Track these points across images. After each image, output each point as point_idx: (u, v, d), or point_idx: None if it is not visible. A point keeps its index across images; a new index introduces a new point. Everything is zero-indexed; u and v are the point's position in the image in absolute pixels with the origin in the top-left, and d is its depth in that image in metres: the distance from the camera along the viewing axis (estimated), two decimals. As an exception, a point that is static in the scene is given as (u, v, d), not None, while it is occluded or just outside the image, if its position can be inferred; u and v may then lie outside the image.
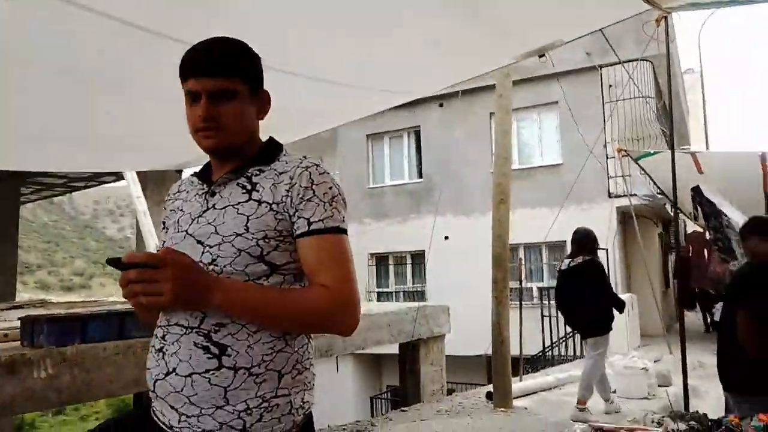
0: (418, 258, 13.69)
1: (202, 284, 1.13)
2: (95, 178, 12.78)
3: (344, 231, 1.28)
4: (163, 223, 1.40)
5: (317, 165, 1.29)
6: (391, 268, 14.39)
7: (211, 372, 1.15)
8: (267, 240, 1.21)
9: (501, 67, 3.86)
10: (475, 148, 12.73)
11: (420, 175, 14.06)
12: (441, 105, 13.24)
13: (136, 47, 2.15)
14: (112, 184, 13.48)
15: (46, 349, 3.40)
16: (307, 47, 2.50)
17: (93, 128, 3.22)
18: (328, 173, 1.31)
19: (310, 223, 1.23)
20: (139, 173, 7.46)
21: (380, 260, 14.55)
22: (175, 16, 1.99)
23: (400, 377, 6.68)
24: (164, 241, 1.33)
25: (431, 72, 3.29)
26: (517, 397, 5.85)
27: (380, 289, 14.42)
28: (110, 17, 1.87)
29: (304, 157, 1.32)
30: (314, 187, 1.25)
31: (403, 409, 5.87)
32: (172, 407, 1.18)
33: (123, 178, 8.50)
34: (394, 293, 14.26)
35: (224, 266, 1.20)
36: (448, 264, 12.31)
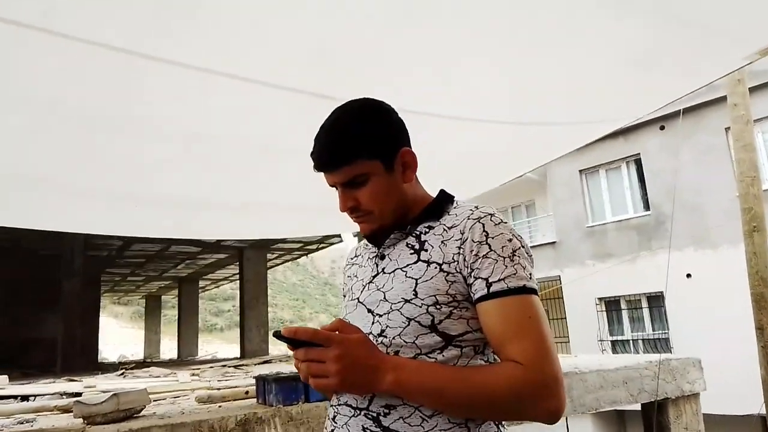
0: (656, 301, 12.13)
1: (372, 365, 1.00)
2: (324, 241, 14.14)
3: (533, 291, 1.05)
4: (343, 292, 1.33)
5: (491, 214, 1.10)
6: (625, 314, 12.93)
7: None
8: (438, 306, 1.04)
9: (729, 72, 3.25)
10: (710, 169, 11.04)
11: (647, 207, 12.59)
12: (662, 128, 11.85)
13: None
14: (338, 245, 14.73)
15: (275, 408, 3.60)
16: (485, 88, 2.34)
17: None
18: (506, 222, 1.10)
19: (489, 285, 1.03)
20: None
21: (610, 305, 13.21)
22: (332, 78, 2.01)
23: (645, 443, 5.76)
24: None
25: (640, 93, 2.88)
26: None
27: (614, 337, 13.01)
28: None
29: (476, 207, 1.13)
30: (489, 240, 1.06)
31: (653, 482, 5.00)
32: None
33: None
34: (631, 341, 12.73)
35: (393, 338, 1.06)
36: (693, 306, 10.67)
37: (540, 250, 14.33)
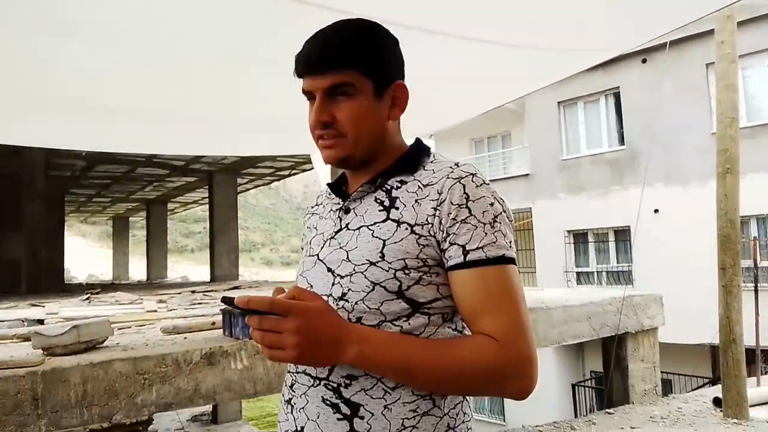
0: (623, 234, 12.40)
1: (334, 337, 0.90)
2: (296, 167, 13.88)
3: (512, 260, 0.96)
4: (302, 243, 1.21)
5: (473, 174, 0.98)
6: (592, 246, 13.23)
7: None
8: (407, 271, 0.95)
9: (722, 7, 3.10)
10: (688, 107, 10.99)
11: (622, 142, 12.60)
12: (644, 61, 11.64)
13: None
14: (310, 173, 14.52)
15: (241, 341, 3.56)
16: (478, 3, 2.17)
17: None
18: (488, 184, 0.99)
19: (466, 252, 0.94)
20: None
21: (578, 237, 13.48)
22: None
23: (604, 374, 6.01)
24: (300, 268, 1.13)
25: (629, 23, 2.73)
26: (753, 405, 4.85)
27: (580, 269, 13.37)
28: None
29: (456, 164, 1.00)
30: (470, 204, 0.95)
31: (608, 411, 5.24)
32: None
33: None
34: (596, 273, 13.12)
35: (356, 302, 0.96)
36: (658, 241, 10.95)
37: (513, 182, 14.38)
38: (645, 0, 2.50)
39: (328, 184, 1.16)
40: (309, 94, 1.03)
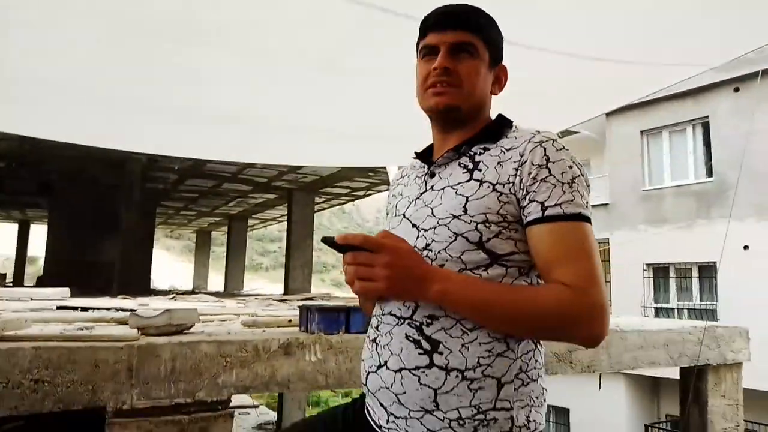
0: (708, 271, 11.73)
1: (420, 273, 1.01)
2: (372, 188, 14.19)
3: (587, 219, 1.04)
4: (386, 210, 1.33)
5: (554, 140, 1.08)
6: (673, 282, 12.59)
7: (421, 370, 1.03)
8: (488, 225, 1.04)
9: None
10: (784, 138, 10.36)
11: (710, 174, 12.01)
12: (737, 90, 11.13)
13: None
14: (384, 193, 14.78)
15: (316, 335, 3.72)
16: (554, 16, 2.23)
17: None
18: (567, 149, 1.08)
19: (544, 208, 1.03)
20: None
21: (658, 271, 12.87)
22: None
23: (680, 407, 5.69)
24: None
25: (723, 34, 2.66)
26: None
27: (659, 305, 12.73)
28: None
29: (538, 131, 1.10)
30: (550, 165, 1.04)
31: (685, 446, 4.96)
32: (381, 405, 1.09)
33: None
34: (676, 310, 12.44)
35: (438, 251, 1.06)
36: (747, 279, 10.27)
37: (592, 211, 13.94)
38: (738, 14, 2.45)
39: (415, 152, 1.27)
40: (431, 48, 1.15)
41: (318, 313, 3.71)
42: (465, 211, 1.06)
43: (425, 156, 1.25)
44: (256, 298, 8.40)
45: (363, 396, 1.21)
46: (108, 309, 5.18)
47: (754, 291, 10.27)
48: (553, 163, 1.05)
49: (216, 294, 15.26)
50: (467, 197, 1.07)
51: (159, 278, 29.55)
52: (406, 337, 1.06)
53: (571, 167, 1.05)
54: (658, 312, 12.69)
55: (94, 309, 5.01)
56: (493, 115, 1.23)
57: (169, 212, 19.67)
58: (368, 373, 1.13)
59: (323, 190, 14.53)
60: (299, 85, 3.07)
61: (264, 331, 3.85)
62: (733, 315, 10.66)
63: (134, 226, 11.99)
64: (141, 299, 6.44)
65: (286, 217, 15.68)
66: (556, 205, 1.02)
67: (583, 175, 1.07)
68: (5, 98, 2.87)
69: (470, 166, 1.12)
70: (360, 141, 4.05)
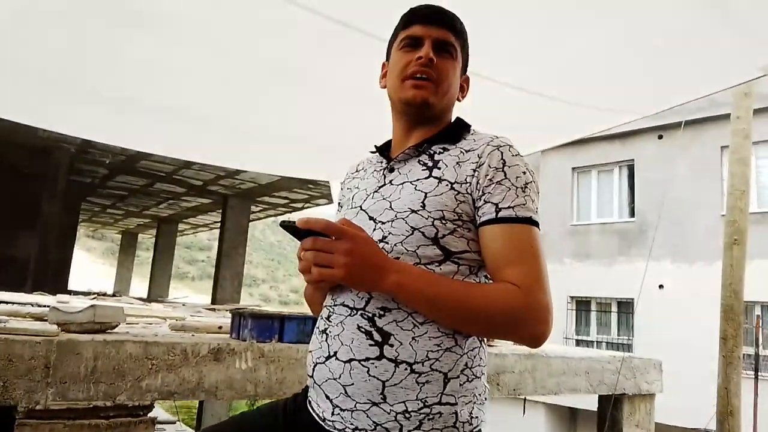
0: (626, 306, 12.38)
1: (378, 263, 1.02)
2: (310, 200, 14.09)
3: (536, 224, 1.09)
4: (339, 203, 1.34)
5: (510, 145, 1.13)
6: (594, 315, 13.20)
7: (371, 361, 1.03)
8: (444, 221, 1.07)
9: (743, 82, 3.26)
10: (701, 186, 11.19)
11: (632, 214, 12.76)
12: (660, 137, 11.95)
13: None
14: (323, 207, 14.71)
15: (248, 343, 3.61)
16: (508, 52, 2.33)
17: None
18: (522, 156, 1.13)
19: (498, 210, 1.07)
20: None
21: (581, 304, 13.46)
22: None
23: (597, 434, 5.92)
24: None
25: (656, 86, 2.88)
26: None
27: (580, 337, 13.30)
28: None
29: (496, 136, 1.15)
30: (506, 168, 1.09)
31: (598, 471, 5.15)
32: (327, 397, 1.09)
33: (332, 201, 9.20)
34: (595, 343, 13.02)
35: (395, 244, 1.08)
36: (661, 317, 10.89)
37: (521, 241, 14.42)
38: (672, 69, 2.63)
39: (375, 146, 1.29)
40: (416, 39, 1.18)
41: (251, 319, 3.62)
42: (423, 207, 1.08)
43: (383, 151, 1.27)
44: (183, 305, 8.09)
45: (305, 390, 1.19)
46: (23, 304, 4.84)
47: (666, 328, 10.89)
48: (509, 167, 1.09)
49: (140, 299, 14.60)
50: (426, 193, 1.10)
51: (77, 279, 27.93)
52: (358, 328, 1.06)
53: (524, 173, 1.11)
54: (578, 343, 13.22)
55: (7, 303, 4.67)
56: None
57: (95, 209, 18.72)
58: (315, 364, 1.12)
59: (260, 198, 14.28)
60: (249, 88, 3.03)
61: (193, 335, 3.71)
62: (647, 350, 11.25)
63: (55, 220, 11.34)
64: (60, 296, 6.06)
65: (219, 224, 15.27)
66: (509, 207, 1.07)
67: (534, 182, 1.13)
68: None
69: (430, 164, 1.15)
70: (306, 152, 4.03)
